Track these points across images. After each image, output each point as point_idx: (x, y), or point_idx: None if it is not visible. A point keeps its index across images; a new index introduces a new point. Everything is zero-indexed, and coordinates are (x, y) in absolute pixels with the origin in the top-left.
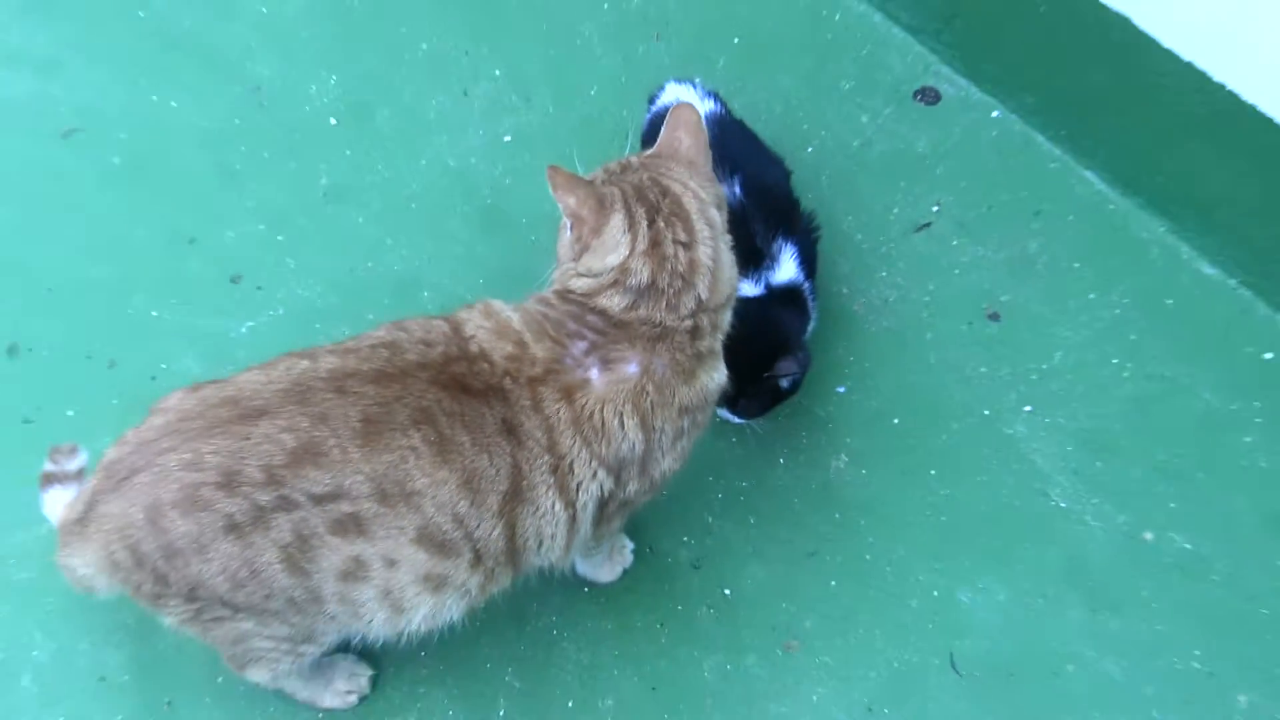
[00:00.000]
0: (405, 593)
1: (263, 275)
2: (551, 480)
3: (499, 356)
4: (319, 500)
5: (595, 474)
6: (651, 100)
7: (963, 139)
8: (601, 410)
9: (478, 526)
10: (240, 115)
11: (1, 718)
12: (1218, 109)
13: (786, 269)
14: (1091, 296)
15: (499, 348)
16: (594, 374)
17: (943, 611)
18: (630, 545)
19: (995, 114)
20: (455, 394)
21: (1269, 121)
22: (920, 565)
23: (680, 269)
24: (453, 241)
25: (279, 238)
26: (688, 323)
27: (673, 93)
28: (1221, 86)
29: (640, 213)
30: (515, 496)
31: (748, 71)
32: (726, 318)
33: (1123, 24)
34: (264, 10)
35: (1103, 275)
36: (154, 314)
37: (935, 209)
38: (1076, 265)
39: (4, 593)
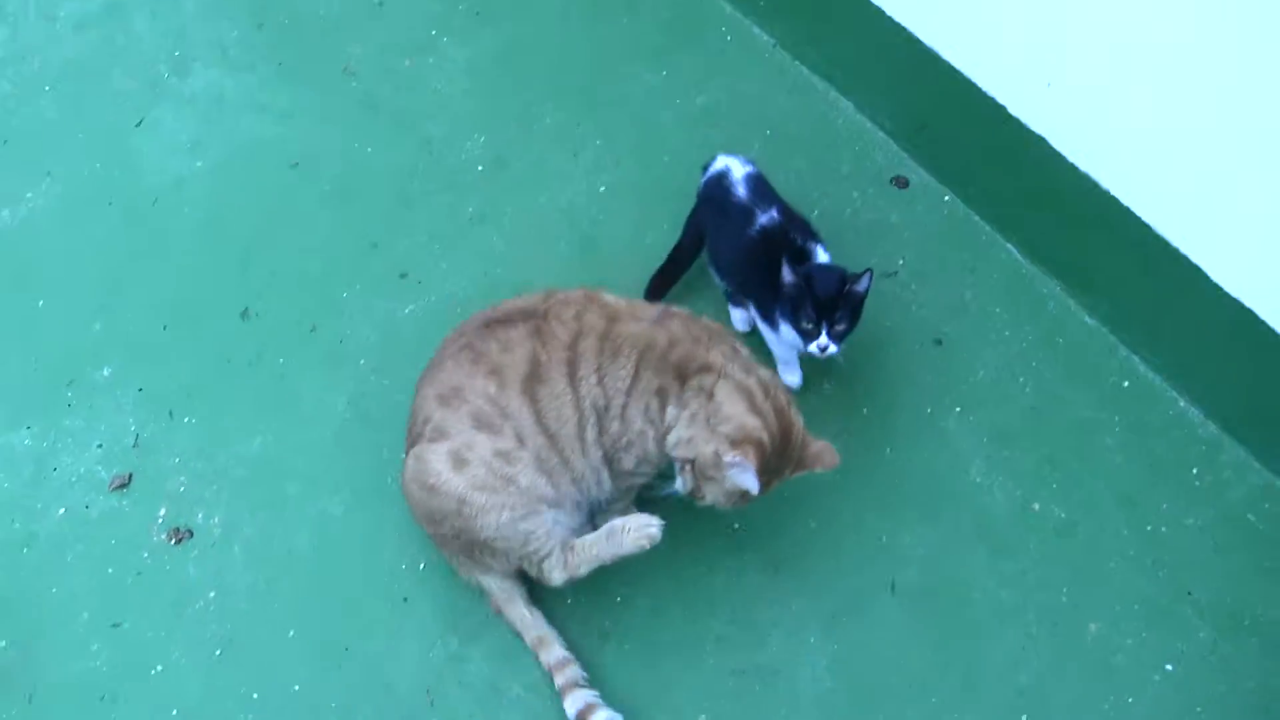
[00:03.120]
0: (494, 465)
1: (423, 273)
2: (565, 370)
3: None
4: (425, 423)
5: (594, 380)
6: (705, 168)
7: (923, 214)
8: (625, 340)
9: (507, 404)
10: (415, 160)
11: (219, 572)
12: (1103, 208)
13: (821, 256)
14: (1006, 333)
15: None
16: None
17: (889, 550)
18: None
19: (947, 198)
20: (491, 327)
21: (1138, 219)
22: (874, 515)
23: None
24: (559, 258)
25: (436, 247)
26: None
27: (721, 161)
28: (1107, 192)
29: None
30: (533, 377)
31: (775, 154)
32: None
33: (1040, 142)
34: (438, 87)
35: (1015, 318)
36: (344, 295)
37: (900, 263)
38: (997, 310)
39: (227, 485)
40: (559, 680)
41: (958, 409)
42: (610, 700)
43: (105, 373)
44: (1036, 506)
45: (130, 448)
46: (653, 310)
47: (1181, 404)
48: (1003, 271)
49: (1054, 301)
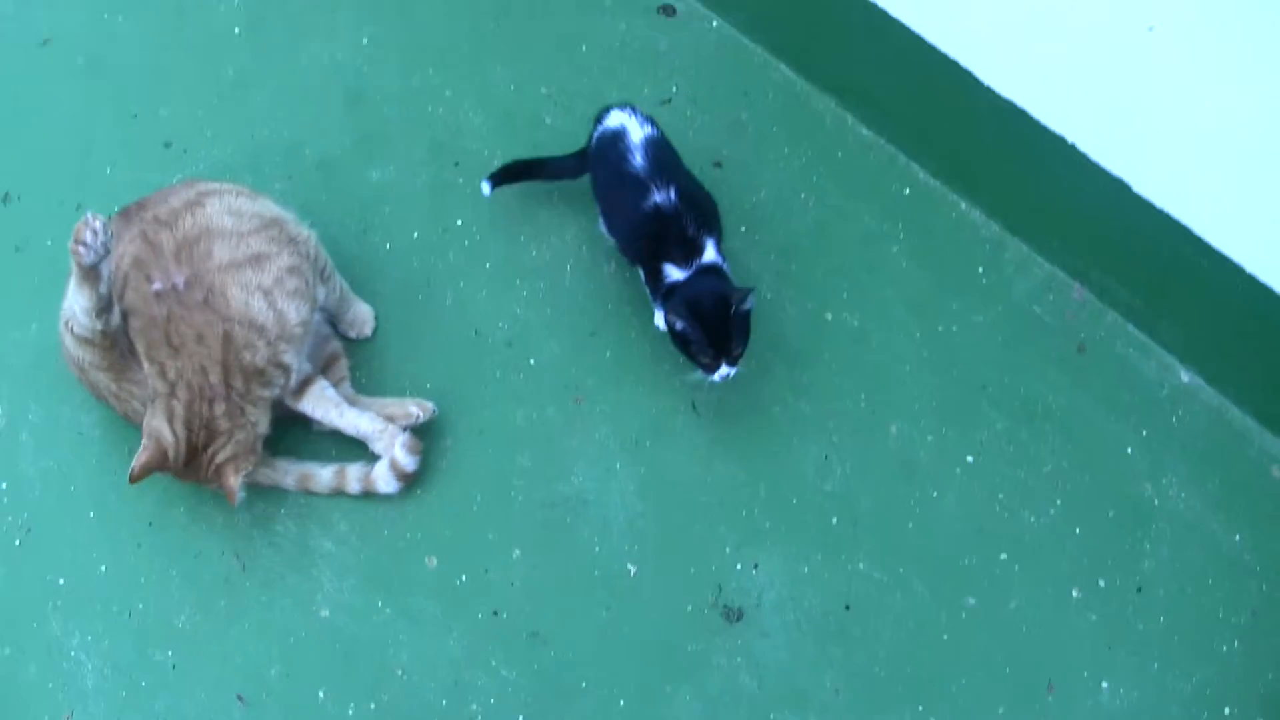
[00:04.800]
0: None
1: (187, 141)
2: None
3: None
4: None
5: None
6: (599, 118)
7: (692, 40)
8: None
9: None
10: (169, 27)
11: (9, 463)
12: (870, 19)
13: (709, 254)
14: (785, 150)
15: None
16: None
17: (685, 373)
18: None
19: (714, 23)
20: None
21: (904, 27)
22: (667, 340)
23: None
24: (328, 114)
25: (199, 114)
26: None
27: (616, 118)
28: (873, 4)
29: None
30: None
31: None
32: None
33: None
34: None
35: (792, 136)
36: (108, 171)
37: (674, 90)
38: (774, 129)
39: (5, 375)
40: (352, 486)
41: (743, 229)
42: (422, 545)
43: None
44: (829, 317)
45: None
46: (180, 276)
47: (963, 206)
48: (777, 91)
49: (830, 116)
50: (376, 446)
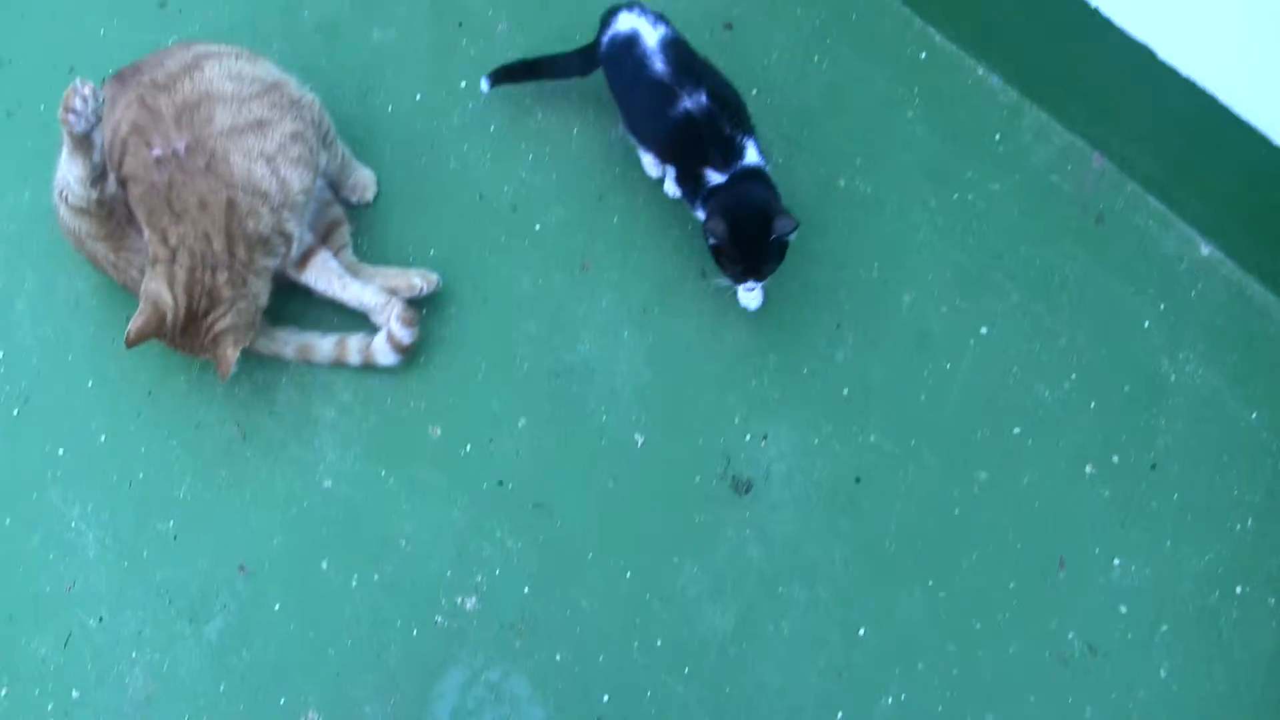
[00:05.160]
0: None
1: (183, 1)
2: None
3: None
4: None
5: None
6: (605, 21)
7: None
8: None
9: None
10: None
11: (5, 332)
12: None
13: (751, 155)
14: (798, 12)
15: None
16: None
17: (694, 239)
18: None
19: None
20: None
21: None
22: (677, 205)
23: None
24: None
25: None
26: None
27: (626, 21)
28: None
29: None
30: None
31: None
32: None
33: None
34: None
35: None
36: (101, 32)
37: None
38: None
39: (1, 240)
40: (353, 358)
41: (754, 92)
42: (426, 415)
43: None
44: (842, 183)
45: None
46: (181, 142)
47: (980, 72)
48: None
49: None
50: (378, 319)
